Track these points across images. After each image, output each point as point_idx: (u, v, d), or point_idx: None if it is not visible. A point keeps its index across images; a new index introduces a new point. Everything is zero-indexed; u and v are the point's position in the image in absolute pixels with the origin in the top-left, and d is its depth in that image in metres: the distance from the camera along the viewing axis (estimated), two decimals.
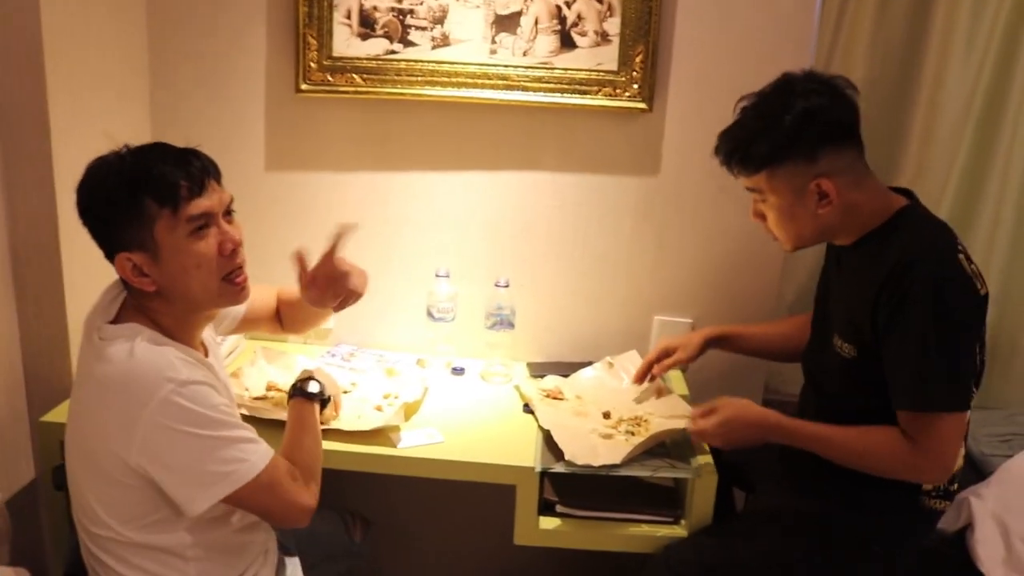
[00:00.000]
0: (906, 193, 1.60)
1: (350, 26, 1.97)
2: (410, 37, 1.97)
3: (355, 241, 2.11)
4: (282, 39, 2.01)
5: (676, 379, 2.03)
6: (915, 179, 2.27)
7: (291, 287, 1.67)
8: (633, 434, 1.74)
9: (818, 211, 1.51)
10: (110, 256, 1.35)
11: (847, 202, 1.51)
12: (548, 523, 1.68)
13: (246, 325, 1.74)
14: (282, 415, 1.60)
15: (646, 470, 1.64)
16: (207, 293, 1.36)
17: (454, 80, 1.98)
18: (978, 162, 2.27)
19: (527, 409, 1.87)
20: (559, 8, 1.94)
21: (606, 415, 1.82)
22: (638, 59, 1.95)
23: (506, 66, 1.97)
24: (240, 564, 1.45)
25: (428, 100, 2.00)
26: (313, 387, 1.60)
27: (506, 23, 1.95)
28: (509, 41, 1.96)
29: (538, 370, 2.07)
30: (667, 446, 1.72)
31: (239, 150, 2.07)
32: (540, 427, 1.76)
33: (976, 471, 1.93)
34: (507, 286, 2.00)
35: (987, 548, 1.74)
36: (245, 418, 1.49)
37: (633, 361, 1.99)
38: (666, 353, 1.87)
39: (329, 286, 1.61)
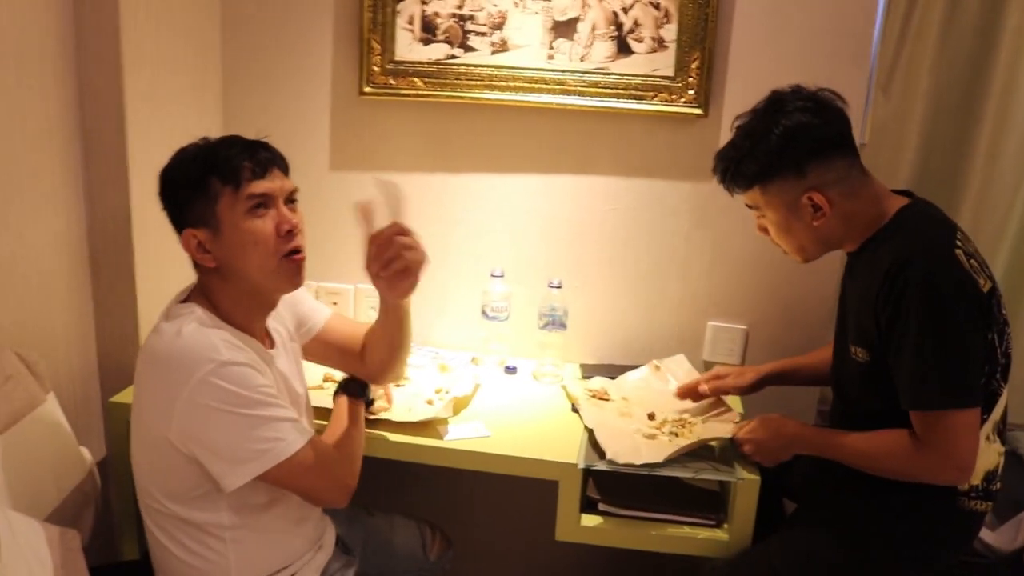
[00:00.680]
0: (907, 194, 1.59)
1: (412, 31, 2.03)
2: (470, 42, 2.02)
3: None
4: (347, 44, 2.09)
5: (734, 401, 2.00)
6: (981, 193, 2.24)
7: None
8: (677, 435, 1.75)
9: (813, 223, 1.54)
10: (179, 233, 1.42)
11: (843, 211, 1.53)
12: (590, 520, 1.69)
13: (325, 348, 1.70)
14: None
15: (689, 471, 1.64)
16: (263, 271, 1.39)
17: (512, 84, 2.03)
18: None
19: (575, 409, 1.89)
20: (616, 14, 1.96)
21: (651, 416, 1.83)
22: (694, 65, 1.96)
23: (563, 71, 2.01)
24: (283, 557, 1.48)
25: (486, 104, 2.05)
26: (359, 385, 1.66)
27: (563, 29, 1.99)
28: (566, 47, 2.00)
29: (590, 371, 2.09)
30: (713, 450, 1.72)
31: (305, 150, 2.15)
32: (585, 426, 1.78)
33: None
34: (560, 287, 2.03)
35: None
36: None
37: (680, 365, 2.00)
38: (717, 377, 1.86)
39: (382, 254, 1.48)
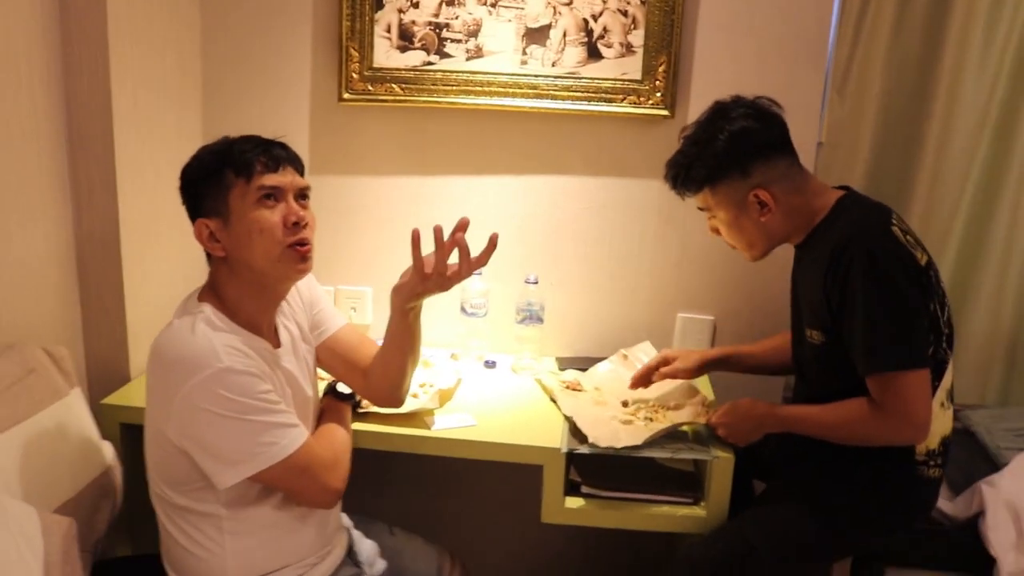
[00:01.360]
0: (844, 189, 1.72)
1: (390, 39, 2.11)
2: (446, 49, 2.10)
3: (393, 242, 2.25)
4: (326, 51, 2.15)
5: (703, 383, 2.10)
6: (931, 188, 2.35)
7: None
8: (652, 420, 1.84)
9: (760, 219, 1.66)
10: (193, 222, 1.47)
11: (787, 206, 1.65)
12: (573, 503, 1.77)
13: (332, 356, 1.70)
14: None
15: (667, 452, 1.73)
16: (268, 258, 1.43)
17: (487, 89, 2.11)
18: (993, 172, 2.34)
19: (553, 400, 1.97)
20: (586, 21, 2.06)
21: (624, 403, 1.91)
22: (661, 69, 2.06)
23: (536, 76, 2.10)
24: (282, 556, 1.51)
25: (463, 108, 2.13)
26: (345, 388, 1.72)
27: (536, 36, 2.08)
28: (539, 52, 2.09)
29: (566, 364, 2.17)
30: (686, 434, 1.81)
31: None
32: (564, 415, 1.86)
33: (990, 463, 1.99)
34: (536, 282, 2.11)
35: (999, 533, 1.80)
36: None
37: (647, 351, 2.09)
38: (666, 361, 1.94)
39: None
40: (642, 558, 2.37)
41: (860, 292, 1.52)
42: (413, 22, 2.09)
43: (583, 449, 1.72)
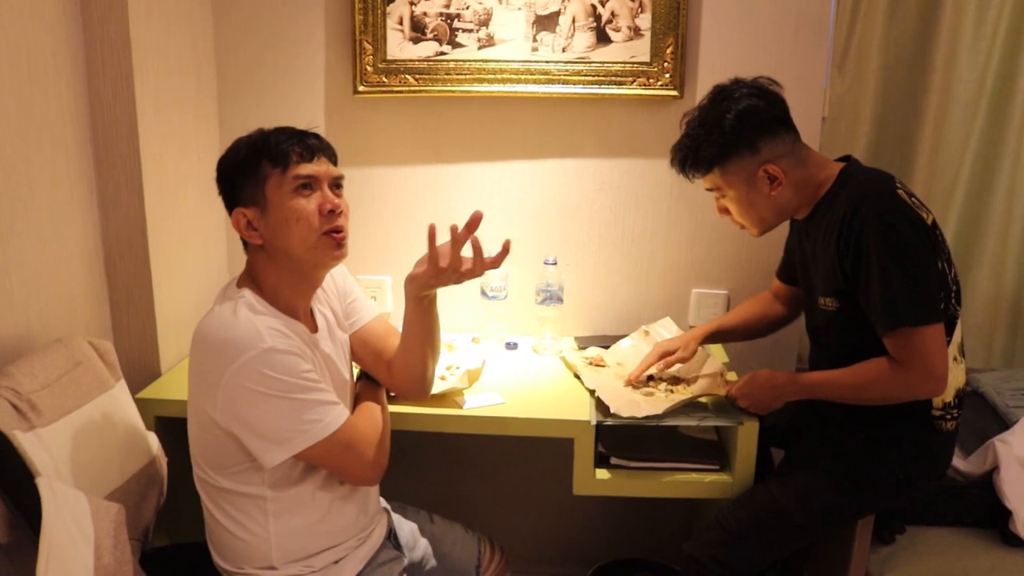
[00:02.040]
0: (847, 159, 1.77)
1: (402, 31, 2.15)
2: (458, 39, 2.15)
3: (411, 231, 2.30)
4: (339, 45, 2.19)
5: (716, 350, 2.17)
6: (931, 159, 2.41)
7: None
8: (672, 392, 1.89)
9: (771, 193, 1.71)
10: (231, 212, 1.51)
11: (795, 179, 1.71)
12: (603, 474, 1.82)
13: (361, 346, 1.74)
14: None
15: (693, 420, 1.78)
16: (305, 246, 1.47)
17: (499, 77, 2.16)
18: (991, 141, 2.40)
19: (577, 376, 2.02)
20: (594, 6, 2.11)
21: (649, 378, 1.96)
22: (668, 51, 2.12)
23: (547, 62, 2.14)
24: (324, 538, 1.54)
25: (476, 96, 2.18)
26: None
27: (546, 23, 2.13)
28: (549, 39, 2.13)
29: (585, 343, 2.22)
30: (706, 405, 1.85)
31: None
32: (588, 389, 1.92)
33: (1000, 422, 2.06)
34: (555, 263, 2.16)
35: (1013, 487, 1.86)
36: None
37: (667, 327, 2.14)
38: (666, 354, 1.96)
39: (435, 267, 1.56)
40: (668, 527, 2.43)
41: (874, 254, 1.57)
42: (425, 13, 2.13)
43: (611, 420, 1.77)
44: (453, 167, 2.26)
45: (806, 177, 1.71)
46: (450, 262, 1.53)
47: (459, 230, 1.53)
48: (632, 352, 2.11)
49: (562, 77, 2.15)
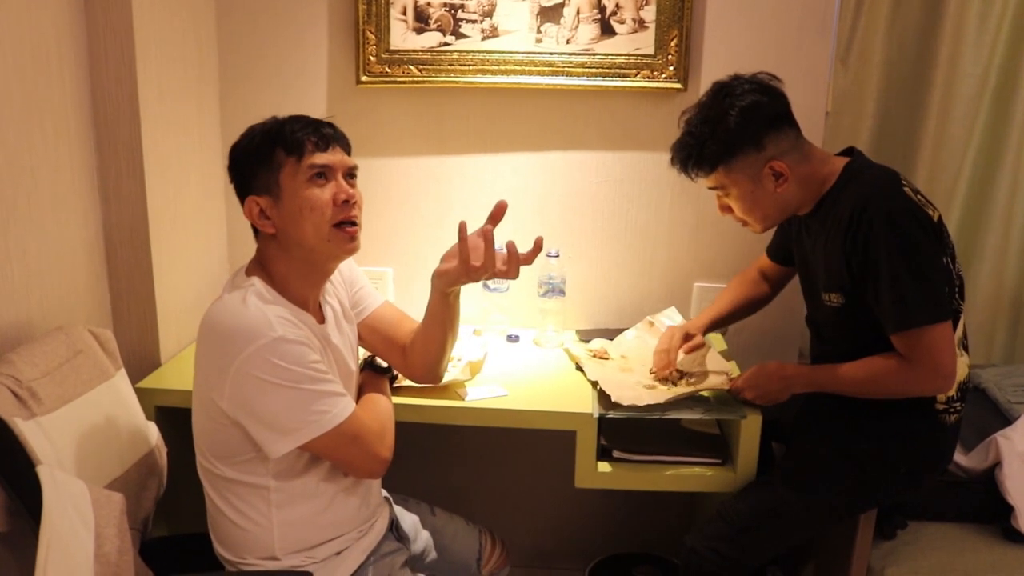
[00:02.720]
0: (849, 151, 1.76)
1: (406, 21, 2.14)
2: (461, 30, 2.14)
3: (413, 223, 2.29)
4: (342, 35, 2.18)
5: (716, 339, 2.17)
6: (934, 154, 2.41)
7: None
8: (676, 384, 1.88)
9: (777, 190, 1.69)
10: (243, 200, 1.50)
11: (799, 175, 1.69)
12: (605, 467, 1.82)
13: (371, 333, 1.75)
14: None
15: (696, 412, 1.78)
16: (318, 236, 1.46)
17: (503, 68, 2.15)
18: (993, 137, 2.41)
19: (579, 368, 2.01)
20: None
21: (652, 371, 1.95)
22: (673, 43, 2.11)
23: (551, 53, 2.14)
24: (328, 529, 1.54)
25: (479, 87, 2.17)
26: (382, 362, 1.77)
27: (550, 14, 2.12)
28: (553, 30, 2.12)
29: (587, 336, 2.22)
30: (708, 399, 1.85)
31: None
32: (590, 381, 1.91)
33: (1002, 418, 2.05)
34: (557, 256, 2.15)
35: (1015, 482, 1.86)
36: None
37: (672, 317, 2.14)
38: (686, 338, 1.96)
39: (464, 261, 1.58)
40: (669, 521, 2.43)
41: (883, 252, 1.56)
42: (428, 3, 2.12)
43: (614, 413, 1.76)
44: (456, 158, 2.25)
45: (810, 172, 1.70)
46: (484, 263, 1.55)
47: (491, 230, 1.56)
48: (637, 344, 2.11)
49: (566, 69, 2.14)
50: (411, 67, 2.16)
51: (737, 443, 1.78)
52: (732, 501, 1.76)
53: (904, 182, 1.65)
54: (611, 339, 2.16)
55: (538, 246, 1.57)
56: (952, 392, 1.69)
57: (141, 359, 1.98)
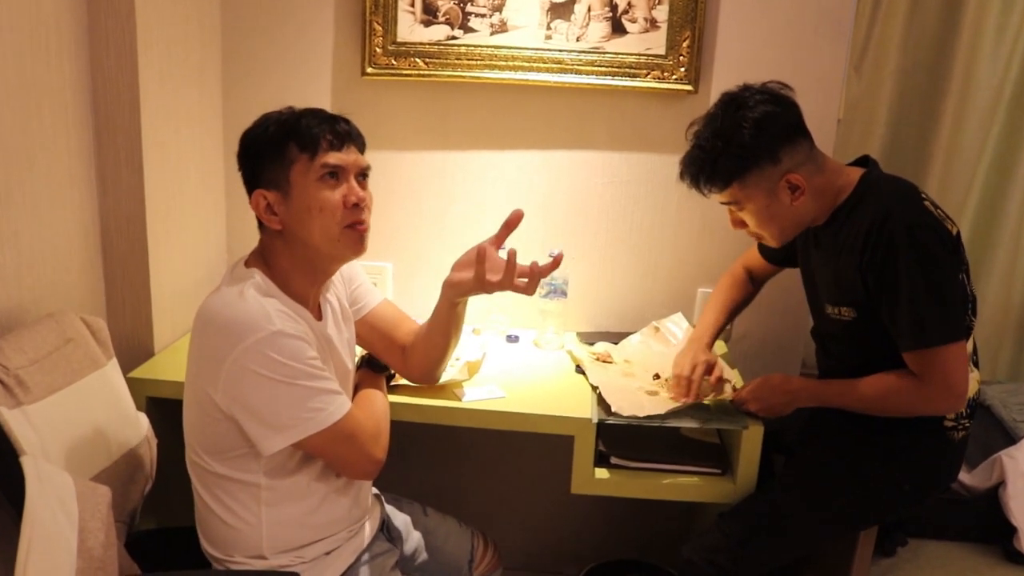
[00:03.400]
0: (864, 160, 1.72)
1: (413, 13, 2.10)
2: (470, 23, 2.10)
3: (414, 218, 2.26)
4: (349, 26, 2.15)
5: (718, 344, 2.12)
6: (946, 165, 2.39)
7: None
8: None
9: (793, 204, 1.64)
10: (250, 192, 1.46)
11: (815, 187, 1.64)
12: (603, 473, 1.79)
13: (370, 331, 1.73)
14: None
15: (697, 421, 1.74)
16: (326, 237, 1.43)
17: (511, 64, 2.11)
18: (1007, 150, 2.38)
19: (579, 370, 1.99)
20: None
21: (656, 376, 1.92)
22: (685, 44, 2.07)
23: (560, 51, 2.10)
24: (317, 530, 1.51)
25: (486, 83, 2.13)
26: (380, 360, 1.74)
27: (561, 10, 2.08)
28: (563, 27, 2.09)
29: (588, 339, 2.19)
30: (709, 407, 1.81)
31: None
32: (591, 385, 1.88)
33: (1007, 436, 2.03)
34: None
35: (1019, 502, 1.84)
36: None
37: (677, 323, 2.11)
38: (708, 370, 1.87)
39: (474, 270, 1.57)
40: (664, 529, 2.40)
41: (902, 269, 1.53)
42: None
43: (613, 419, 1.73)
44: (460, 154, 2.22)
45: (825, 184, 1.66)
46: (502, 280, 1.54)
47: (512, 251, 1.54)
48: (641, 349, 2.08)
49: (575, 67, 2.10)
50: (418, 60, 2.12)
51: (738, 453, 1.75)
52: (731, 513, 1.73)
53: (923, 196, 1.61)
54: (615, 343, 2.13)
55: (557, 262, 1.56)
56: (962, 408, 1.65)
57: (134, 349, 1.95)
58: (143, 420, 1.65)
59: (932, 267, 1.53)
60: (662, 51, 2.08)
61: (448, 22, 2.10)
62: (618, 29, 2.08)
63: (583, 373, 1.96)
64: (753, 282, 2.04)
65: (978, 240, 2.43)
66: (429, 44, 2.12)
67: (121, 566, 1.34)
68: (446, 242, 2.26)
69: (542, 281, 2.10)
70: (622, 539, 2.46)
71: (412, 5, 2.10)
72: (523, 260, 2.18)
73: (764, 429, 1.74)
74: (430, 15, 2.10)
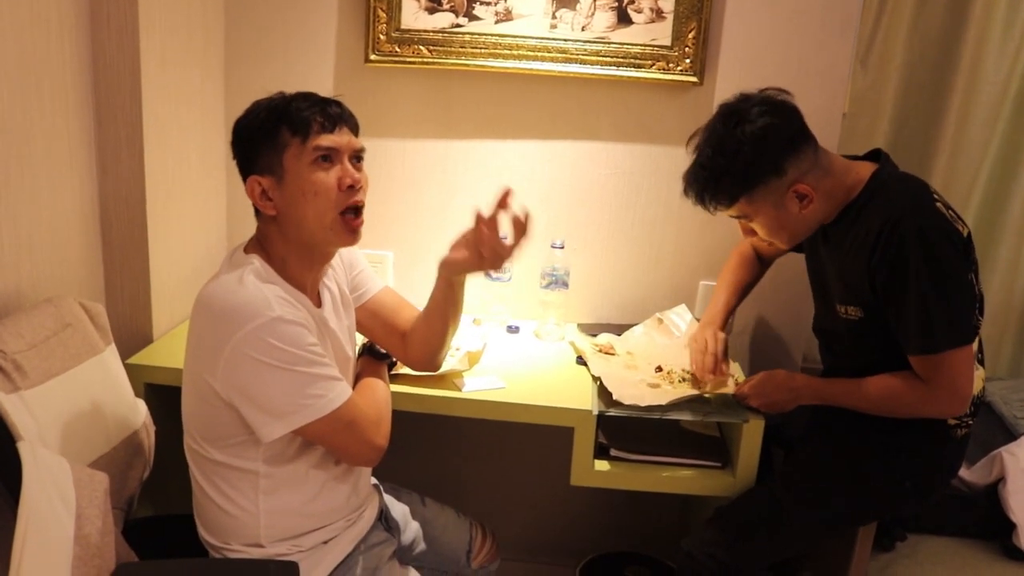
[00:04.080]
0: (874, 154, 1.70)
1: (418, 0, 2.08)
2: (475, 11, 2.08)
3: (415, 206, 2.25)
4: (353, 12, 2.13)
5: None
6: (950, 160, 2.37)
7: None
8: (684, 380, 1.85)
9: (802, 212, 1.63)
10: (244, 179, 1.45)
11: (824, 191, 1.63)
12: (602, 466, 1.78)
13: (371, 318, 1.72)
14: None
15: (698, 414, 1.74)
16: (320, 223, 1.42)
17: (515, 53, 2.09)
18: (1012, 146, 2.37)
19: (580, 361, 1.98)
20: None
21: (658, 368, 1.92)
22: (690, 35, 2.06)
23: (565, 40, 2.08)
24: (315, 519, 1.50)
25: (490, 71, 2.12)
26: (381, 348, 1.73)
27: (566, 0, 2.06)
28: (568, 16, 2.07)
29: (589, 330, 2.18)
30: (710, 401, 1.80)
31: None
32: (592, 376, 1.87)
33: (1007, 433, 2.02)
34: (562, 247, 2.11)
35: (1018, 499, 1.84)
36: None
37: (681, 315, 2.10)
38: (715, 355, 1.87)
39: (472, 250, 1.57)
40: (662, 522, 2.40)
41: (912, 273, 1.51)
42: None
43: (614, 411, 1.73)
44: (463, 143, 2.21)
45: (834, 185, 1.63)
46: (490, 251, 1.52)
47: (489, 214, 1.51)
48: (644, 341, 2.07)
49: (580, 57, 2.09)
50: (421, 47, 2.11)
51: (738, 447, 1.75)
52: (731, 507, 1.72)
53: (935, 196, 1.59)
54: (618, 334, 2.12)
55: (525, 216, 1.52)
56: (966, 408, 1.64)
57: (132, 334, 1.94)
58: (141, 406, 1.65)
59: (943, 272, 1.52)
60: (667, 42, 2.07)
61: (453, 9, 2.09)
62: (623, 19, 2.07)
63: (584, 364, 1.95)
64: (761, 261, 2.02)
65: (981, 236, 2.41)
66: (433, 31, 2.10)
67: (118, 553, 1.33)
68: (447, 231, 2.20)
69: (543, 272, 2.12)
70: (621, 531, 2.46)
71: None
72: (527, 253, 2.18)
73: (764, 423, 1.73)
74: (435, 2, 2.08)
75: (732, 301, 1.97)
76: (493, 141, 2.20)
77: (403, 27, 2.10)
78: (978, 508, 1.90)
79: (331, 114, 1.43)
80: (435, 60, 2.11)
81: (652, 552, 2.34)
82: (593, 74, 2.09)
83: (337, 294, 1.60)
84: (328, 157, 1.42)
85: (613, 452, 1.79)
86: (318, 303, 1.52)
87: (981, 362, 1.69)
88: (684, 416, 1.74)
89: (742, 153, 1.57)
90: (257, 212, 1.47)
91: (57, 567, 1.19)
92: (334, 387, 1.40)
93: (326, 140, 1.41)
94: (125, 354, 1.86)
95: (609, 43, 2.08)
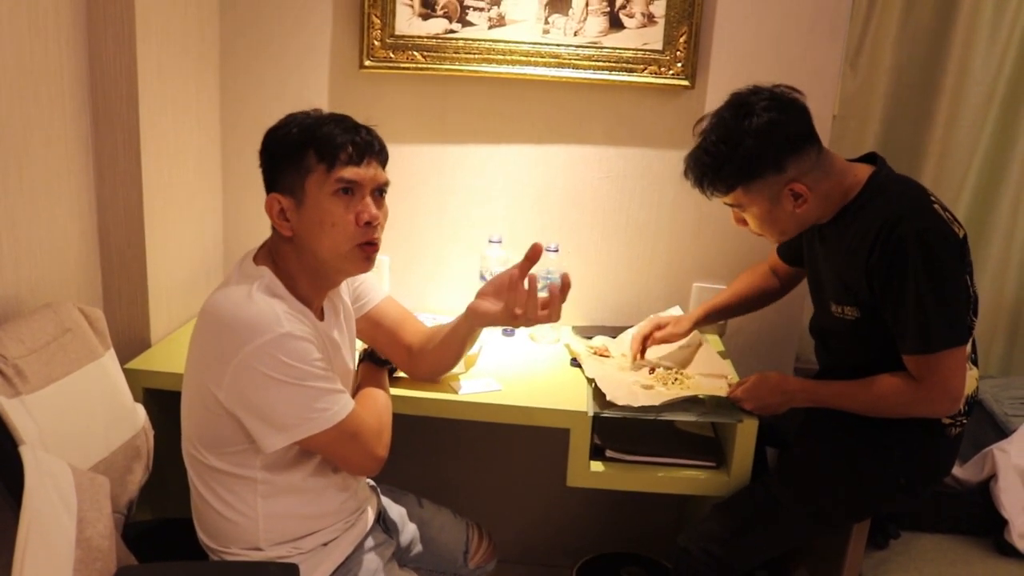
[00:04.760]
0: (871, 157, 1.72)
1: (412, 6, 2.10)
2: (468, 17, 2.10)
3: (412, 211, 2.26)
4: (347, 18, 2.15)
5: (714, 342, 2.15)
6: (939, 161, 2.40)
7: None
8: (678, 379, 1.87)
9: (796, 211, 1.65)
10: (267, 191, 1.46)
11: (821, 192, 1.64)
12: (598, 467, 1.80)
13: (374, 328, 1.73)
14: None
15: (693, 415, 1.75)
16: (334, 252, 1.42)
17: (509, 58, 2.11)
18: (999, 147, 2.39)
19: (575, 363, 1.99)
20: None
21: (651, 370, 1.93)
22: (682, 39, 2.08)
23: (558, 45, 2.10)
24: (314, 522, 1.51)
25: (484, 76, 2.13)
26: (382, 355, 1.74)
27: (558, 5, 2.08)
28: (561, 22, 2.09)
29: (583, 333, 2.19)
30: (704, 402, 1.81)
31: None
32: (587, 378, 1.89)
33: (999, 431, 2.04)
34: (557, 250, 2.12)
35: (1010, 496, 1.85)
36: None
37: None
38: (658, 327, 1.97)
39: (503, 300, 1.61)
40: (658, 522, 2.42)
41: (910, 275, 1.53)
42: None
43: (609, 412, 1.74)
44: (457, 147, 2.22)
45: (832, 187, 1.65)
46: (526, 312, 1.56)
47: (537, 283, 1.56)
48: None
49: (572, 61, 2.10)
50: (416, 53, 2.12)
51: (732, 447, 1.76)
52: (727, 503, 1.74)
53: (933, 198, 1.61)
54: (612, 336, 2.13)
55: (566, 284, 1.58)
56: (960, 407, 1.66)
57: (131, 339, 1.95)
58: (140, 411, 1.66)
59: (940, 274, 1.53)
60: (659, 46, 2.09)
61: (446, 15, 2.11)
62: (615, 24, 2.09)
63: (579, 366, 1.97)
64: (776, 277, 2.03)
65: (971, 235, 2.38)
66: (427, 37, 2.12)
67: (118, 557, 1.34)
68: (443, 235, 2.27)
69: (537, 274, 2.12)
70: (617, 531, 2.47)
71: None
72: (518, 255, 2.20)
73: (758, 423, 1.75)
74: (428, 8, 2.10)
75: (721, 302, 2.01)
76: (487, 145, 2.22)
77: (397, 33, 2.11)
78: (970, 505, 1.91)
79: (360, 143, 1.42)
80: (429, 66, 2.13)
81: (648, 552, 2.36)
82: (586, 79, 2.11)
83: (339, 306, 1.61)
84: (350, 190, 1.41)
85: (609, 453, 1.80)
86: (321, 316, 1.53)
87: (975, 362, 1.70)
88: (678, 416, 1.75)
89: (745, 145, 1.59)
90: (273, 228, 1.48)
91: (59, 570, 1.20)
92: (339, 400, 1.41)
93: (350, 172, 1.40)
94: (123, 359, 1.86)
95: (601, 48, 2.10)
